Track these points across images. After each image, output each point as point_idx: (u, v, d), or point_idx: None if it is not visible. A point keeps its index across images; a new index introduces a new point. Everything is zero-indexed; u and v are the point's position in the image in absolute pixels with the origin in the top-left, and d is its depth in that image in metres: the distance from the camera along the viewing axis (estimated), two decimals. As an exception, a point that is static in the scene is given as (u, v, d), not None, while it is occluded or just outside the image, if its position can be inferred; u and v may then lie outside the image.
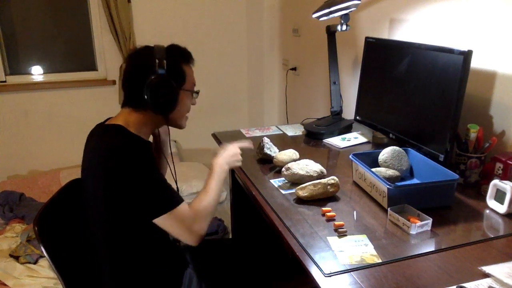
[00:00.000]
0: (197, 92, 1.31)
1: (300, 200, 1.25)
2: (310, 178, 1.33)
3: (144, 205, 1.11)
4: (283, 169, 1.36)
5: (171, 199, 1.13)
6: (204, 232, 1.18)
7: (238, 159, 1.37)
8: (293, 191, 1.30)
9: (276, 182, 1.38)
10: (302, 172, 1.33)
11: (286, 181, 1.38)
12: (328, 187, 1.25)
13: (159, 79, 1.15)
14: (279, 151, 1.54)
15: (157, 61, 1.16)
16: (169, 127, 1.31)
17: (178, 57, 1.22)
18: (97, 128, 1.24)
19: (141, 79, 1.16)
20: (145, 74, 1.16)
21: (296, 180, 1.34)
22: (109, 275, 1.22)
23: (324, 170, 1.38)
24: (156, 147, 1.44)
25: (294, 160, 1.44)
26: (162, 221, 1.11)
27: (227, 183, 1.95)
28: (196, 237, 1.16)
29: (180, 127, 1.32)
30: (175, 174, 1.39)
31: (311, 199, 1.24)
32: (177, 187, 1.45)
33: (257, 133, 1.92)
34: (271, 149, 1.54)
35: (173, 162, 1.39)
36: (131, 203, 1.10)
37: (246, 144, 1.45)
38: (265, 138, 1.57)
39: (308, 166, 1.36)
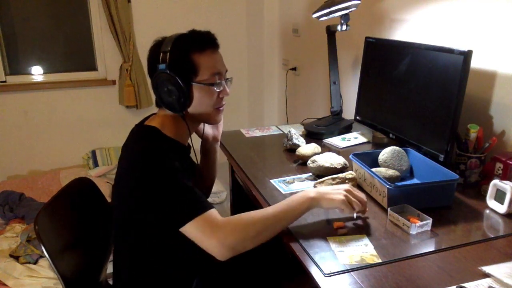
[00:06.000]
0: (214, 84, 1.14)
1: None
2: (334, 170, 1.37)
3: (169, 213, 1.03)
4: (309, 161, 1.41)
5: (196, 205, 1.02)
6: (238, 248, 1.00)
7: (341, 196, 1.06)
8: (293, 190, 1.31)
9: (276, 182, 1.38)
10: (327, 165, 1.38)
11: (310, 174, 1.42)
12: (346, 181, 1.28)
13: (161, 75, 1.11)
14: (305, 143, 1.65)
15: (161, 55, 1.11)
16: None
17: (187, 46, 1.13)
18: (134, 129, 1.20)
19: (151, 76, 1.15)
20: (152, 70, 1.13)
21: (321, 172, 1.38)
22: (128, 278, 1.20)
23: (347, 162, 1.41)
24: (204, 152, 1.43)
25: (316, 154, 1.49)
26: (188, 230, 1.00)
27: (227, 182, 1.95)
28: (224, 249, 0.98)
29: (210, 123, 1.26)
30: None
31: None
32: (204, 192, 1.41)
33: (257, 133, 1.92)
34: (298, 139, 1.66)
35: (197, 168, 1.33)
36: (156, 212, 1.05)
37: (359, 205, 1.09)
38: (291, 129, 1.69)
39: (332, 159, 1.40)
